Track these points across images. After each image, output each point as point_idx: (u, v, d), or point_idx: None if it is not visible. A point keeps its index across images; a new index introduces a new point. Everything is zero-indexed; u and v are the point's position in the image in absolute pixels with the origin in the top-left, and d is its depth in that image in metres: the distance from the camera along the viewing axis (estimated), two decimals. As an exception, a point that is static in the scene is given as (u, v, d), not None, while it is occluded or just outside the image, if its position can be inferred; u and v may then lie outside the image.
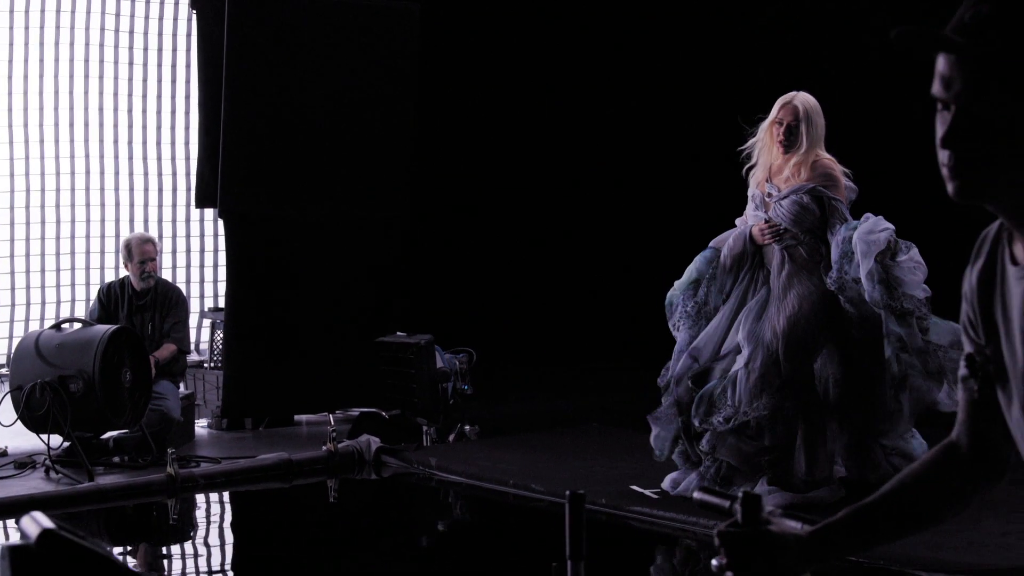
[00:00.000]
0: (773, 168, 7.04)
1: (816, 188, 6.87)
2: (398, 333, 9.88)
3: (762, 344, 6.86)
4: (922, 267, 6.74)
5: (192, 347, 10.20)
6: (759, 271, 7.15)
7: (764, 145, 7.07)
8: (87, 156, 11.07)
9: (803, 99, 6.95)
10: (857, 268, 6.72)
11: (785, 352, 6.81)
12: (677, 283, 7.31)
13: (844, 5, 10.41)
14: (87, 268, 11.15)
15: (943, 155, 1.97)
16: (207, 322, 11.17)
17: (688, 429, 7.02)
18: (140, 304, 9.37)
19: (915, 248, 6.80)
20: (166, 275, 10.59)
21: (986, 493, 2.34)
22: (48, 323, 10.08)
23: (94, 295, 9.82)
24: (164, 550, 7.23)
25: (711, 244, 7.31)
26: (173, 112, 11.52)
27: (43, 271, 11.00)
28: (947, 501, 2.30)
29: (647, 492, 7.21)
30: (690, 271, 7.28)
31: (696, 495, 2.33)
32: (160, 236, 11.20)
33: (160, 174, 11.51)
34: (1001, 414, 2.19)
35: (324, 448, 8.69)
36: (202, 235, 11.81)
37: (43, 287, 11.00)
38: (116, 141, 11.24)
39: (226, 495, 8.32)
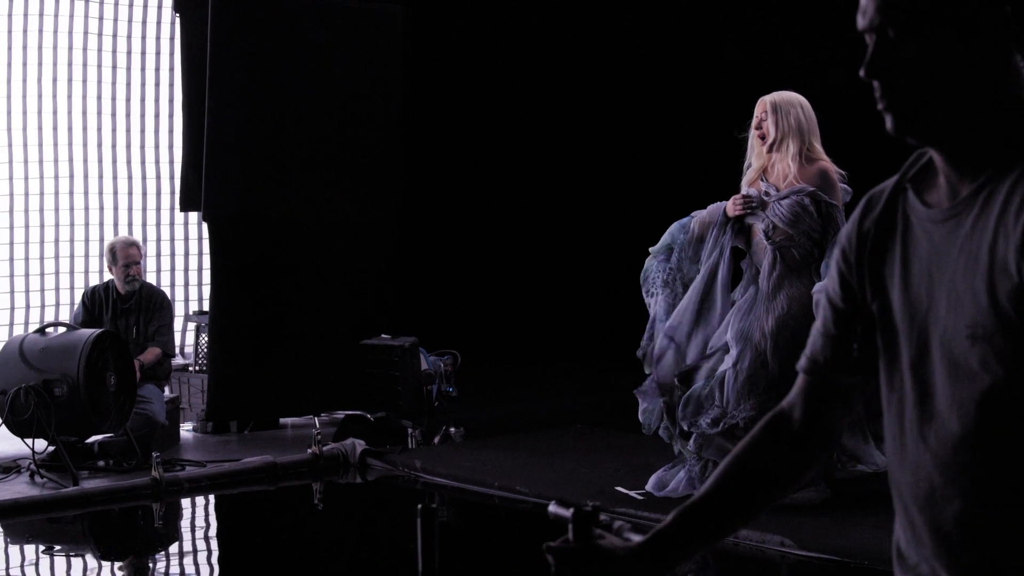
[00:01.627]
0: (763, 167, 7.05)
1: (816, 192, 6.88)
2: (383, 335, 9.89)
3: (750, 344, 6.86)
4: None
5: (177, 350, 10.18)
6: (727, 245, 7.13)
7: (755, 149, 7.09)
8: (71, 160, 11.05)
9: (774, 94, 6.99)
10: None
11: (773, 352, 6.81)
12: (653, 248, 7.33)
13: (840, 6, 10.41)
14: (71, 272, 11.13)
15: (875, 88, 1.97)
16: (192, 325, 11.16)
17: (671, 411, 7.03)
18: (125, 308, 9.35)
19: None
20: (150, 278, 10.58)
21: (816, 466, 2.29)
22: (32, 327, 10.05)
23: (78, 299, 9.81)
24: (149, 554, 7.22)
25: (692, 214, 7.33)
26: (157, 115, 11.51)
27: (27, 275, 10.98)
28: (780, 480, 2.24)
29: (632, 493, 7.22)
30: (665, 237, 7.31)
31: (551, 508, 2.20)
32: (144, 239, 11.19)
33: (144, 177, 11.49)
34: (842, 385, 2.19)
35: (309, 451, 8.69)
36: (187, 238, 11.80)
37: (27, 291, 10.98)
38: (100, 144, 11.22)
39: (211, 498, 8.31)
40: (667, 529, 2.15)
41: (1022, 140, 1.92)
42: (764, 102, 6.99)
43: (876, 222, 2.12)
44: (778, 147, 6.95)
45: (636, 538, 2.13)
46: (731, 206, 7.09)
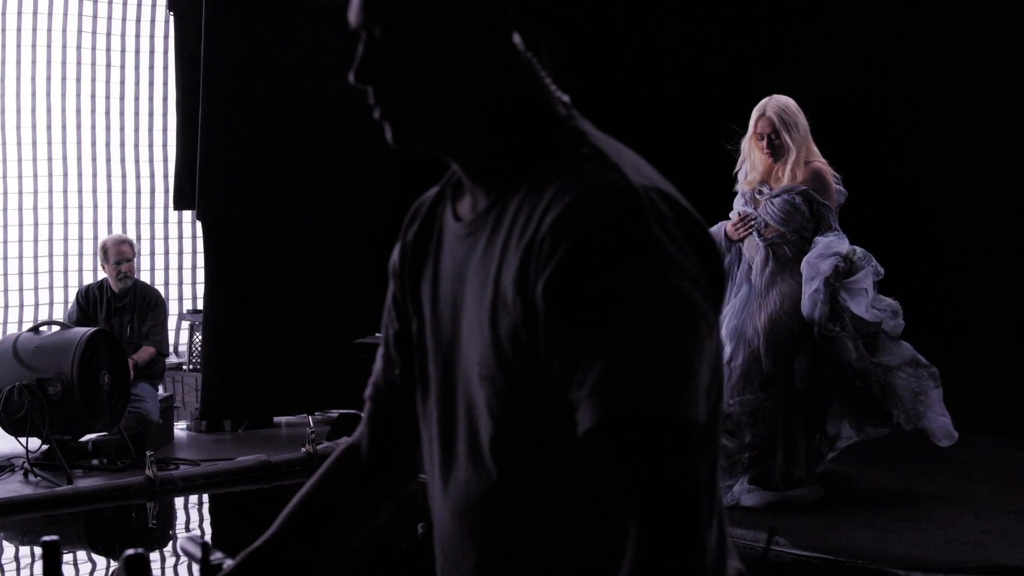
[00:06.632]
0: (766, 175, 7.05)
1: (808, 191, 6.90)
2: (376, 334, 9.88)
3: (744, 341, 6.88)
4: (867, 292, 6.78)
5: (171, 349, 10.17)
6: (736, 266, 7.17)
7: (751, 160, 7.08)
8: (64, 158, 11.03)
9: (775, 106, 6.94)
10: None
11: (766, 349, 6.83)
12: None
13: (824, 7, 10.42)
14: (65, 270, 11.11)
15: (369, 96, 1.76)
16: (186, 324, 11.15)
17: None
18: (119, 306, 9.34)
19: (869, 268, 6.84)
20: (144, 277, 10.57)
21: (394, 504, 2.09)
22: (26, 326, 10.05)
23: (72, 297, 9.81)
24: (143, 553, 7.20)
25: None
26: (151, 114, 11.49)
27: (21, 273, 10.96)
28: (353, 515, 2.04)
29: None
30: None
31: (181, 543, 2.04)
32: (138, 238, 11.18)
33: (138, 176, 11.47)
34: (408, 409, 1.94)
35: (303, 450, 8.68)
36: (180, 237, 11.79)
37: (21, 289, 10.96)
38: (93, 143, 11.21)
39: (205, 497, 8.30)
40: (231, 575, 1.96)
41: (531, 151, 1.72)
42: (769, 119, 6.93)
43: (417, 233, 1.92)
44: (785, 157, 6.96)
45: None
46: (732, 229, 7.11)
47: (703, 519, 1.54)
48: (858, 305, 6.74)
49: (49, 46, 10.88)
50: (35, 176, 10.92)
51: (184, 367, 10.63)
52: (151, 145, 11.52)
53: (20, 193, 10.89)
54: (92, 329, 8.60)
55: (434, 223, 1.89)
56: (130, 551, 1.88)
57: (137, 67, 11.38)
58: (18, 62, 10.77)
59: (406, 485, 2.08)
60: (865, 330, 6.80)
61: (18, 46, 10.74)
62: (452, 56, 1.71)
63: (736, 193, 7.20)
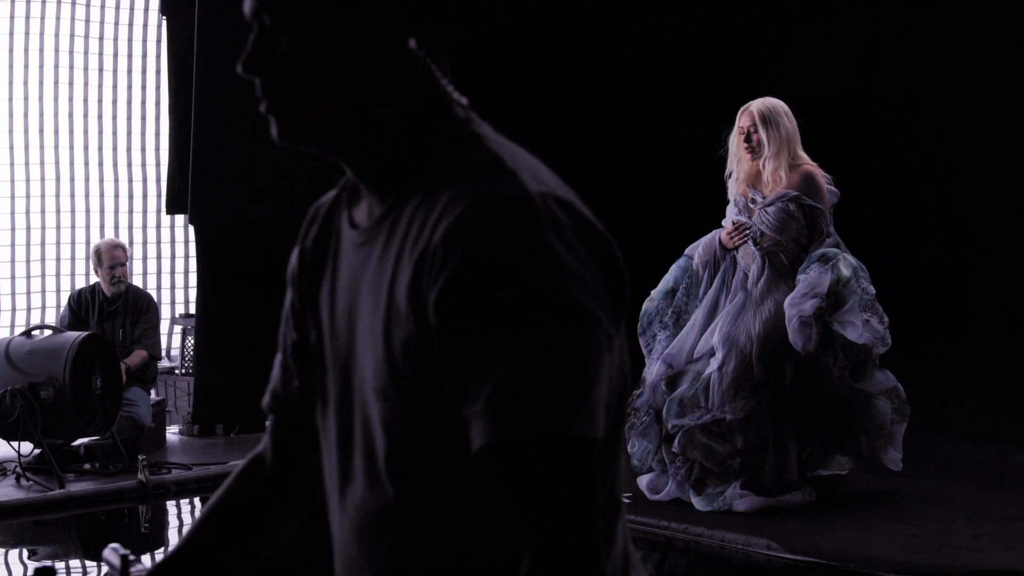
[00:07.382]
0: (751, 176, 7.04)
1: (800, 197, 6.88)
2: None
3: (736, 347, 6.86)
4: (855, 324, 6.77)
5: (163, 353, 10.15)
6: (731, 274, 7.14)
7: (737, 158, 7.08)
8: (57, 162, 11.01)
9: (758, 104, 6.96)
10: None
11: (759, 356, 6.81)
12: (654, 292, 7.29)
13: (823, 7, 10.40)
14: (57, 275, 11.09)
15: (256, 88, 1.73)
16: (178, 328, 11.12)
17: (663, 433, 7.02)
18: (111, 310, 9.33)
19: (855, 298, 6.81)
20: (137, 281, 10.54)
21: (302, 514, 2.03)
22: (18, 329, 10.02)
23: (64, 301, 9.78)
24: (135, 557, 7.18)
25: (686, 252, 7.31)
26: (143, 118, 11.47)
27: (13, 278, 10.93)
28: (259, 526, 1.99)
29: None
30: (666, 280, 7.28)
31: (105, 552, 2.04)
32: (131, 242, 11.14)
33: (131, 180, 11.44)
34: (309, 419, 1.88)
35: (296, 454, 8.66)
36: (173, 241, 11.76)
37: (13, 294, 10.93)
38: (86, 147, 11.18)
39: (197, 502, 8.29)
40: None
41: (425, 156, 1.66)
42: (751, 113, 6.95)
43: (315, 239, 1.86)
44: (770, 155, 6.94)
45: None
46: (726, 238, 7.09)
47: (599, 540, 1.50)
48: (851, 333, 6.72)
49: (41, 50, 10.85)
50: (27, 180, 10.90)
51: (176, 371, 10.60)
52: (143, 149, 11.49)
53: (12, 197, 10.85)
54: (84, 333, 8.59)
55: (332, 229, 1.82)
56: (38, 564, 1.86)
57: (130, 71, 11.35)
58: (10, 66, 10.74)
59: (312, 495, 2.01)
60: (856, 357, 6.79)
61: (10, 50, 10.71)
62: (340, 53, 1.65)
63: (729, 201, 7.18)
